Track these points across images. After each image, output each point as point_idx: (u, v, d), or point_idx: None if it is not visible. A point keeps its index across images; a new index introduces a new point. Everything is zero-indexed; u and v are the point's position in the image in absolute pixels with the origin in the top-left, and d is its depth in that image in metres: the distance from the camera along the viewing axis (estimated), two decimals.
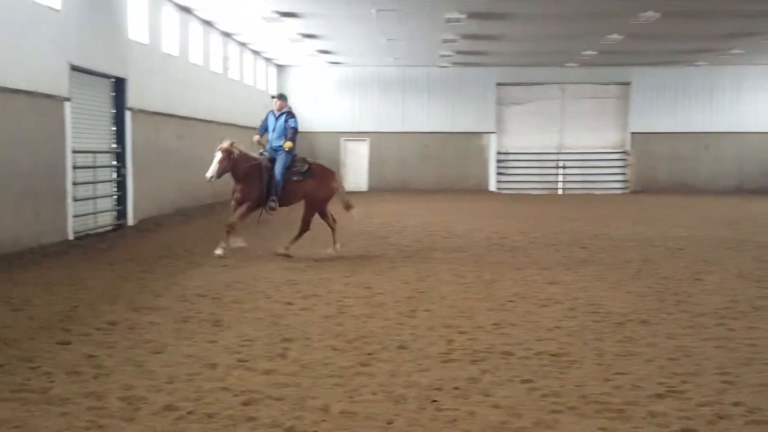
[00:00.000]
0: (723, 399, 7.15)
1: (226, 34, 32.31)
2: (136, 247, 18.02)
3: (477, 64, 41.38)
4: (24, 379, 7.61)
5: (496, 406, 6.93)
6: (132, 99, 22.51)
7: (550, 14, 27.42)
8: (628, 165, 43.54)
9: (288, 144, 16.45)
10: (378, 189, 42.55)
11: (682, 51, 37.13)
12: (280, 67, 42.61)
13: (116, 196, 22.06)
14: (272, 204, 16.46)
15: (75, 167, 18.99)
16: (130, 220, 22.36)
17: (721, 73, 42.48)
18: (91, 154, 20.25)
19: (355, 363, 8.38)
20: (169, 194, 25.70)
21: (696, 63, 41.23)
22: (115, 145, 21.96)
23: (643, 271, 14.93)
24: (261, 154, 16.89)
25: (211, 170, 15.59)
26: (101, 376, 7.75)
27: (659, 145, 43.11)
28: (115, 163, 21.92)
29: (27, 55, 16.70)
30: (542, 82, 43.07)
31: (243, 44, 34.99)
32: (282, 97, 17.19)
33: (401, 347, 9.07)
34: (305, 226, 17.08)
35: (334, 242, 17.12)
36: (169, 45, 25.93)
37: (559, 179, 43.59)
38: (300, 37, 32.44)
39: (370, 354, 8.76)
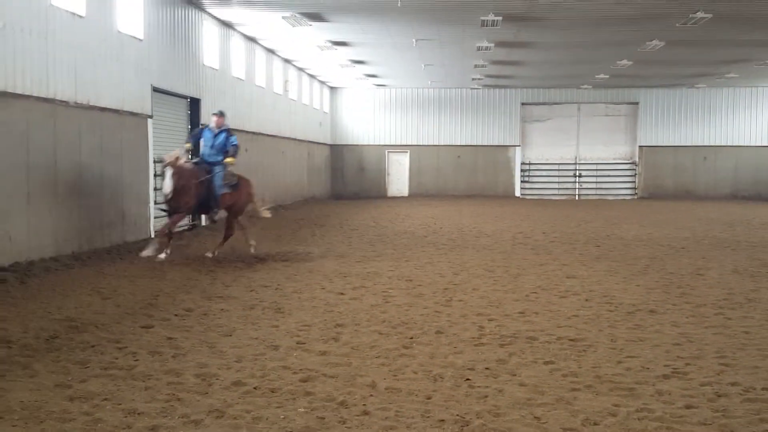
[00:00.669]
0: (721, 379, 7.08)
1: (287, 60, 32.48)
2: (208, 243, 18.10)
3: (504, 86, 41.28)
4: (112, 357, 7.67)
5: (522, 385, 6.88)
6: (205, 116, 22.64)
7: (567, 43, 27.30)
8: (636, 174, 43.25)
9: (232, 160, 15.39)
10: (417, 195, 42.55)
11: (684, 75, 36.85)
12: (333, 89, 42.78)
13: None
14: (214, 215, 15.82)
15: (156, 175, 19.14)
16: (203, 221, 22.49)
17: (718, 94, 42.14)
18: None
19: (398, 346, 8.36)
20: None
21: (696, 85, 40.92)
22: (190, 157, 22.10)
23: (650, 267, 14.77)
24: (196, 163, 15.57)
25: (169, 187, 13.86)
26: (179, 356, 7.79)
27: (664, 156, 42.81)
28: None
29: (115, 78, 16.87)
30: (561, 101, 42.91)
31: (301, 69, 35.15)
32: (221, 114, 15.68)
33: (438, 332, 9.04)
34: (230, 231, 16.25)
35: (248, 240, 16.37)
36: (238, 70, 26.10)
37: (575, 186, 43.35)
38: (350, 63, 32.56)
39: (411, 338, 8.74)
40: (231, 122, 25.12)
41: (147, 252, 14.19)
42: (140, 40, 18.12)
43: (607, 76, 36.84)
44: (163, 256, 14.19)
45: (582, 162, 43.37)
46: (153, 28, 18.85)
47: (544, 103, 43.03)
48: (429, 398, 6.47)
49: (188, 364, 7.44)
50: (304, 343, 8.41)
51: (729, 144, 42.54)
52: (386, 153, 43.36)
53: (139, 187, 18.17)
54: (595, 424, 5.85)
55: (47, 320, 9.27)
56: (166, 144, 20.11)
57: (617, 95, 42.61)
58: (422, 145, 43.16)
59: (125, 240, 17.20)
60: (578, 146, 43.33)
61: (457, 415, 6.03)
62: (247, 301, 11.00)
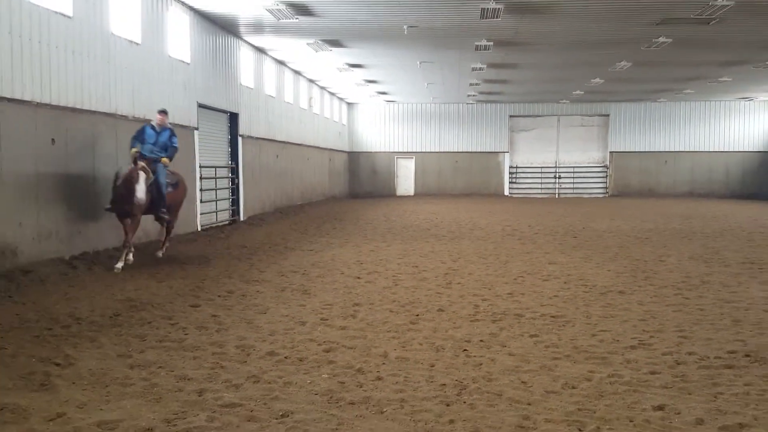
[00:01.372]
0: (680, 349, 7.07)
1: (311, 80, 32.49)
2: (246, 236, 18.18)
3: (494, 101, 41.14)
4: (166, 332, 7.72)
5: (511, 354, 6.89)
6: (243, 128, 22.71)
7: (548, 64, 27.23)
8: (607, 175, 43.08)
9: (167, 161, 13.11)
10: (422, 194, 42.51)
11: (648, 91, 36.70)
12: (350, 104, 42.75)
13: (231, 199, 22.27)
14: (164, 214, 13.22)
15: (201, 178, 19.22)
16: (242, 217, 22.57)
17: (676, 107, 41.94)
18: (212, 169, 20.47)
19: (406, 321, 8.39)
20: (270, 197, 25.88)
21: (658, 100, 40.74)
22: (230, 162, 22.18)
23: (619, 255, 14.73)
24: (144, 166, 12.59)
25: (142, 192, 11.90)
26: (222, 330, 7.84)
27: (631, 160, 42.66)
28: (230, 175, 22.12)
29: (166, 96, 16.90)
30: (543, 114, 42.78)
31: (323, 87, 35.15)
32: (165, 113, 13.35)
33: (440, 310, 9.06)
34: (172, 227, 14.15)
35: (164, 244, 13.93)
36: (269, 88, 26.12)
37: (556, 187, 43.22)
38: (364, 82, 32.55)
39: (417, 315, 8.77)
40: (265, 133, 25.50)
41: (119, 265, 11.83)
42: (187, 63, 18.17)
43: (583, 92, 36.75)
44: (120, 264, 11.83)
45: (561, 166, 43.26)
46: (198, 53, 18.91)
47: (528, 116, 42.90)
48: (432, 366, 6.49)
49: (230, 337, 7.49)
50: (327, 320, 8.45)
51: (686, 150, 42.37)
52: (395, 158, 43.32)
53: (188, 189, 18.22)
54: (573, 387, 5.86)
55: (111, 300, 9.35)
56: (210, 151, 20.20)
57: (591, 108, 42.47)
58: (425, 152, 43.12)
59: (176, 232, 17.24)
60: (558, 152, 43.21)
61: (456, 380, 6.05)
62: (279, 284, 11.06)
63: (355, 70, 28.62)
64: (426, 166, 43.25)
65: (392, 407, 5.35)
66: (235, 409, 5.28)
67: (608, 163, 43.06)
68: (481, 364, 6.54)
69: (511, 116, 42.77)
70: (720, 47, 23.60)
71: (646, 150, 42.57)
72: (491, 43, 22.35)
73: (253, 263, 13.36)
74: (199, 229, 18.85)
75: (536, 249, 15.73)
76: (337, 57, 25.42)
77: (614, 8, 17.93)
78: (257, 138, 24.27)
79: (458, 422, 5.04)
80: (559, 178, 43.30)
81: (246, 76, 23.25)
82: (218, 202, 21.03)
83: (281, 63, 27.28)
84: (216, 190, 20.75)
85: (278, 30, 20.68)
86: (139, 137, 12.79)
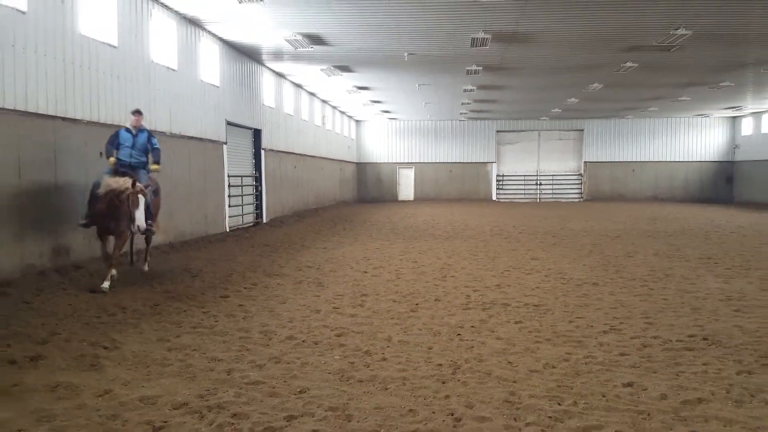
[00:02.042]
0: (646, 334, 7.07)
1: (324, 101, 32.52)
2: (268, 236, 18.19)
3: (483, 118, 41.13)
4: (199, 319, 7.73)
5: (498, 338, 6.88)
6: (265, 142, 22.73)
7: (531, 86, 27.21)
8: (582, 182, 43.01)
9: (158, 168, 10.72)
10: (420, 199, 42.48)
11: (617, 109, 36.65)
12: (358, 122, 42.77)
13: (255, 204, 22.29)
14: (150, 227, 10.06)
15: (229, 186, 19.23)
16: (264, 219, 22.59)
17: (642, 123, 41.87)
18: (239, 177, 20.49)
19: (407, 310, 8.38)
20: (288, 202, 25.89)
21: (626, 116, 40.69)
22: (254, 172, 22.20)
23: (593, 251, 14.71)
24: (142, 189, 9.54)
25: (143, 219, 9.35)
26: (247, 318, 7.85)
27: (603, 169, 42.59)
28: (254, 183, 22.14)
29: (199, 115, 16.95)
30: (526, 129, 42.72)
31: (334, 107, 35.18)
32: (140, 113, 10.59)
33: (437, 300, 9.06)
34: (152, 237, 11.23)
35: (147, 256, 11.34)
36: (288, 107, 26.14)
37: (537, 192, 43.16)
38: (370, 102, 32.56)
39: (417, 304, 8.76)
40: (284, 147, 25.54)
41: (106, 284, 9.19)
42: (217, 86, 18.20)
43: (560, 110, 36.71)
44: (107, 284, 9.22)
45: (542, 174, 43.18)
46: (226, 77, 18.94)
47: (513, 131, 42.85)
48: (430, 348, 6.49)
49: (254, 324, 7.50)
50: (338, 308, 8.46)
51: (650, 160, 42.29)
52: (397, 168, 43.29)
53: (217, 194, 18.23)
54: (553, 367, 5.85)
55: (151, 292, 9.35)
56: (236, 163, 20.21)
57: (567, 124, 42.41)
58: (424, 162, 43.08)
59: (208, 233, 17.29)
60: (539, 162, 43.14)
61: (451, 360, 6.04)
62: (297, 277, 11.06)
63: (362, 91, 28.64)
64: (424, 175, 43.22)
65: (395, 384, 5.35)
66: (259, 386, 5.28)
67: (583, 172, 42.99)
68: (472, 347, 6.53)
69: (497, 131, 42.72)
70: (680, 71, 23.56)
71: (616, 160, 42.50)
72: (480, 68, 22.35)
73: (274, 259, 13.36)
74: (228, 230, 18.86)
75: (520, 247, 15.71)
76: (347, 81, 25.45)
77: (588, 37, 17.92)
78: (277, 151, 24.29)
79: (453, 397, 5.03)
80: (540, 184, 43.24)
81: (268, 97, 23.28)
82: (244, 207, 21.02)
83: (298, 86, 27.32)
84: (242, 196, 20.75)
85: (296, 57, 20.71)
86: (113, 142, 10.24)
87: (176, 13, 15.31)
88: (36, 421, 4.46)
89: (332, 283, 10.51)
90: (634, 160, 42.44)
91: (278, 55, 20.63)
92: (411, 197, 43.22)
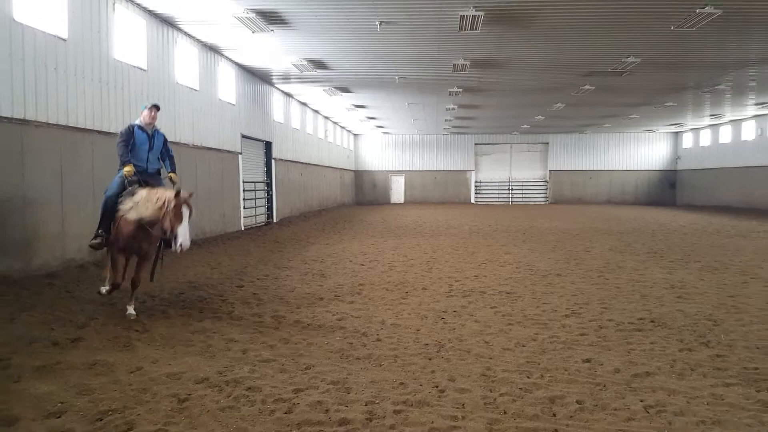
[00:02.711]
0: (602, 317, 7.07)
1: (326, 117, 32.48)
2: (278, 234, 18.14)
3: (464, 133, 41.20)
4: (217, 306, 7.68)
5: (476, 321, 6.88)
6: (275, 153, 22.69)
7: (504, 105, 27.28)
8: (547, 188, 43.14)
9: (176, 177, 7.65)
10: (410, 202, 42.49)
11: (577, 125, 36.81)
12: (356, 135, 42.73)
13: (267, 206, 22.25)
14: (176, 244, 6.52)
15: (244, 190, 19.17)
16: (275, 219, 22.54)
17: (599, 137, 42.04)
18: (253, 183, 20.45)
19: (398, 297, 8.36)
20: (296, 205, 25.83)
21: (585, 131, 40.87)
22: (266, 179, 22.15)
23: (556, 247, 14.74)
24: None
25: (188, 236, 6.49)
26: (261, 304, 7.81)
27: (565, 177, 42.72)
28: (266, 188, 22.10)
29: (217, 129, 16.91)
30: (500, 142, 42.79)
31: (335, 122, 35.14)
32: (157, 108, 7.54)
33: (424, 288, 9.04)
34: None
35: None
36: (295, 122, 26.09)
37: (509, 196, 43.26)
38: (366, 118, 32.55)
39: (407, 292, 8.74)
40: (292, 157, 25.51)
41: (131, 310, 6.83)
42: (233, 104, 18.16)
43: (529, 126, 36.82)
44: (132, 308, 6.88)
45: (513, 181, 43.26)
46: (241, 96, 18.90)
47: (489, 143, 42.90)
48: (418, 330, 6.48)
49: (266, 310, 7.46)
50: (339, 296, 8.43)
51: (605, 169, 42.46)
52: (389, 176, 43.25)
53: (232, 198, 18.18)
54: (523, 345, 5.85)
55: (176, 282, 9.31)
56: (250, 170, 20.16)
57: (535, 138, 42.51)
58: (412, 170, 43.07)
59: (225, 231, 17.22)
60: (511, 171, 43.22)
61: (436, 340, 6.04)
62: (303, 269, 11.03)
63: (360, 109, 28.65)
64: (413, 181, 43.21)
65: (388, 361, 5.34)
66: (271, 363, 5.26)
67: (548, 179, 43.11)
68: (454, 329, 6.53)
69: (475, 144, 42.79)
70: (630, 92, 23.68)
71: (576, 169, 42.65)
72: (461, 90, 22.40)
73: (283, 254, 13.33)
74: (243, 228, 18.80)
75: (495, 243, 15.74)
76: (346, 100, 25.44)
77: (552, 64, 17.98)
78: (286, 160, 24.23)
79: (438, 372, 5.03)
80: (512, 189, 43.34)
81: (277, 114, 23.23)
82: (257, 209, 21.00)
83: (304, 104, 27.27)
84: (255, 199, 20.72)
85: (302, 80, 20.67)
86: (127, 142, 7.12)
87: (198, 41, 15.26)
88: (77, 394, 4.43)
89: (333, 274, 10.48)
90: (591, 168, 42.61)
91: (286, 78, 20.60)
92: (402, 200, 43.21)
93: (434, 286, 9.23)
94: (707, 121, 34.00)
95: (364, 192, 43.16)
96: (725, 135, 34.96)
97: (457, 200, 42.71)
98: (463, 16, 12.40)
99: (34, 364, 5.01)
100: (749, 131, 32.24)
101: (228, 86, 17.85)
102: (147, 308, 7.40)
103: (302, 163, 26.95)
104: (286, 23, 13.45)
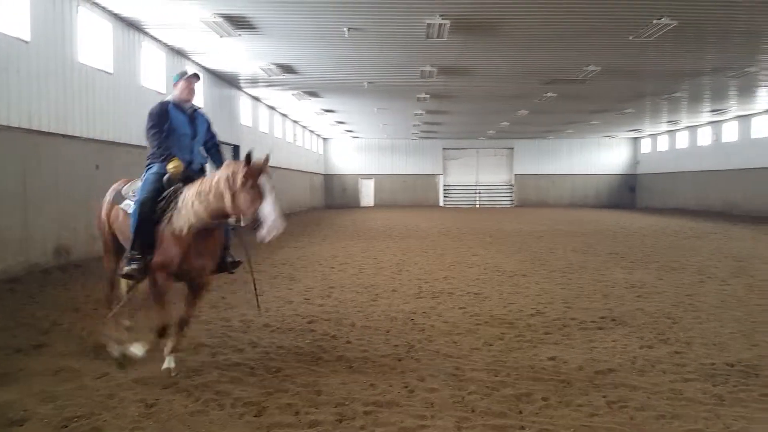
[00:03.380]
0: (566, 316, 7.16)
1: (295, 121, 32.31)
2: (248, 237, 17.92)
3: (432, 137, 41.46)
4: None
5: (445, 322, 6.89)
6: (243, 157, 22.42)
7: (470, 111, 27.56)
8: (513, 191, 43.74)
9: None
10: (379, 205, 42.50)
11: (540, 131, 37.44)
12: (325, 139, 42.63)
13: None
14: (231, 265, 5.74)
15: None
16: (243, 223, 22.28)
17: (561, 143, 42.81)
18: None
19: (368, 299, 8.33)
20: None
21: (548, 137, 41.53)
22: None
23: (522, 248, 14.90)
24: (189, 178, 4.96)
25: (277, 212, 4.78)
26: (229, 309, 7.69)
27: (530, 180, 43.40)
28: None
29: None
30: (467, 147, 43.26)
31: (304, 126, 34.99)
32: (196, 76, 5.50)
33: (393, 290, 9.03)
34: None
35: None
36: (263, 126, 25.88)
37: (477, 199, 43.72)
38: (335, 122, 32.49)
39: (377, 294, 8.71)
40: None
41: (172, 362, 4.89)
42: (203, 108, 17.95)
43: (494, 132, 37.29)
44: (172, 363, 4.91)
45: (480, 184, 43.77)
46: (209, 100, 18.65)
47: (456, 148, 43.31)
48: (388, 332, 6.46)
49: (234, 314, 7.35)
50: (309, 299, 8.35)
51: (568, 173, 43.28)
52: (359, 179, 43.27)
53: None
54: (490, 345, 5.89)
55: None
56: None
57: (501, 143, 43.06)
58: (382, 174, 43.16)
59: None
60: (478, 175, 43.72)
61: (406, 341, 6.03)
62: (272, 273, 10.89)
63: (329, 114, 28.58)
64: (382, 185, 43.30)
65: (358, 363, 5.31)
66: (240, 367, 5.18)
67: (513, 183, 43.73)
68: (423, 330, 6.53)
69: (444, 148, 43.15)
70: (590, 100, 24.19)
71: (540, 173, 43.36)
72: (428, 96, 22.56)
73: (253, 257, 13.14)
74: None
75: (463, 245, 15.83)
76: (315, 104, 25.37)
77: (516, 72, 18.26)
78: None
79: (407, 372, 5.03)
80: (479, 193, 43.83)
81: (245, 118, 23.01)
82: None
83: (272, 108, 27.07)
84: None
85: (270, 84, 20.53)
86: (161, 125, 5.04)
87: (165, 45, 15.01)
88: (40, 401, 4.29)
89: (303, 277, 10.38)
90: (554, 173, 43.37)
91: (254, 82, 20.43)
92: (371, 204, 43.23)
93: (404, 288, 9.21)
94: (665, 127, 34.96)
95: (334, 195, 43.04)
96: (682, 140, 36.00)
97: (426, 203, 42.94)
98: (430, 24, 12.51)
99: None
100: (705, 137, 33.28)
101: (196, 91, 17.62)
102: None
103: (271, 167, 26.62)
104: (254, 28, 13.35)
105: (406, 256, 13.40)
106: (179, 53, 15.90)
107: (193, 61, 16.97)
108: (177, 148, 5.06)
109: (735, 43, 14.44)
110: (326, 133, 39.74)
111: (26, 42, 9.59)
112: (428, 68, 17.28)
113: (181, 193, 4.83)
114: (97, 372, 4.94)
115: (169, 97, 5.33)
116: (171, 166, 4.88)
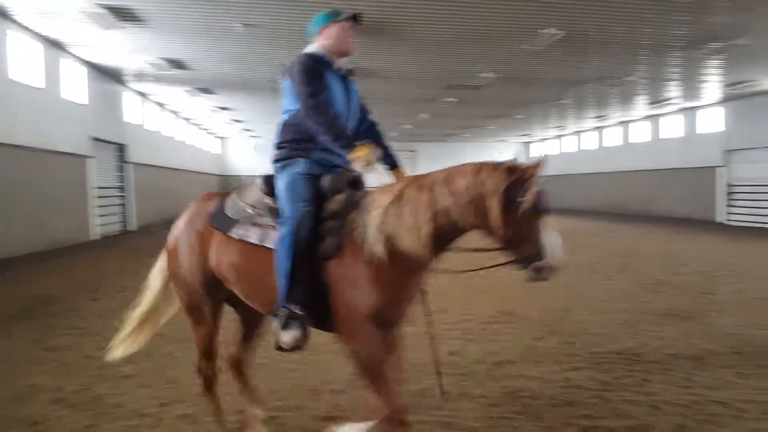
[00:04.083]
0: (466, 313, 7.39)
1: (187, 119, 31.11)
2: (138, 242, 17.09)
3: None
4: (71, 321, 7.09)
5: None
6: (129, 156, 21.36)
7: (373, 113, 27.90)
8: None
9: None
10: None
11: (441, 134, 38.62)
12: (222, 138, 41.39)
13: (122, 213, 20.89)
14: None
15: (98, 197, 17.87)
16: (134, 227, 21.21)
17: (459, 146, 43.94)
18: (107, 189, 19.13)
19: None
20: (156, 211, 24.28)
21: (448, 140, 42.87)
22: (120, 184, 20.81)
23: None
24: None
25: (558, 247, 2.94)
26: (118, 318, 7.33)
27: None
28: (120, 194, 20.75)
29: (66, 132, 15.63)
30: None
31: (197, 124, 33.76)
32: (357, 20, 3.39)
33: None
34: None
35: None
36: (152, 125, 24.68)
37: None
38: (231, 120, 31.66)
39: None
40: (146, 160, 24.10)
41: None
42: (85, 105, 16.93)
43: (397, 134, 37.86)
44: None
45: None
46: (92, 96, 17.62)
47: None
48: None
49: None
50: None
51: None
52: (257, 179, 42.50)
53: (81, 205, 16.83)
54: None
55: (22, 297, 8.43)
56: (104, 175, 18.80)
57: (404, 146, 43.58)
58: None
59: (76, 241, 15.87)
60: (382, 176, 44.39)
61: (309, 344, 6.04)
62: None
63: (224, 111, 27.81)
64: None
65: (259, 369, 5.28)
66: (133, 378, 5.01)
67: None
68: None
69: None
70: (487, 105, 25.36)
71: None
72: None
73: (142, 263, 12.47)
74: (98, 237, 17.46)
75: None
76: (209, 101, 24.51)
77: (416, 76, 18.80)
78: (142, 164, 22.84)
79: (311, 375, 5.04)
80: None
81: (131, 115, 21.91)
82: (112, 216, 19.74)
83: (161, 105, 25.91)
84: (110, 206, 19.45)
85: (158, 79, 19.64)
86: (317, 86, 3.26)
87: (39, 35, 14.00)
88: None
89: None
90: None
91: (140, 77, 19.46)
92: None
93: None
94: (553, 132, 37.41)
95: None
96: (570, 145, 38.71)
97: None
98: None
99: None
100: (591, 141, 35.99)
101: (77, 85, 16.58)
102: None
103: (159, 167, 25.54)
104: (140, 20, 12.77)
105: None
106: (57, 45, 14.90)
107: (73, 54, 15.95)
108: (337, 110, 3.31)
109: (615, 53, 15.81)
110: (222, 132, 38.66)
111: None
112: None
113: (363, 201, 3.27)
114: None
115: (312, 49, 3.43)
116: (361, 153, 3.11)
